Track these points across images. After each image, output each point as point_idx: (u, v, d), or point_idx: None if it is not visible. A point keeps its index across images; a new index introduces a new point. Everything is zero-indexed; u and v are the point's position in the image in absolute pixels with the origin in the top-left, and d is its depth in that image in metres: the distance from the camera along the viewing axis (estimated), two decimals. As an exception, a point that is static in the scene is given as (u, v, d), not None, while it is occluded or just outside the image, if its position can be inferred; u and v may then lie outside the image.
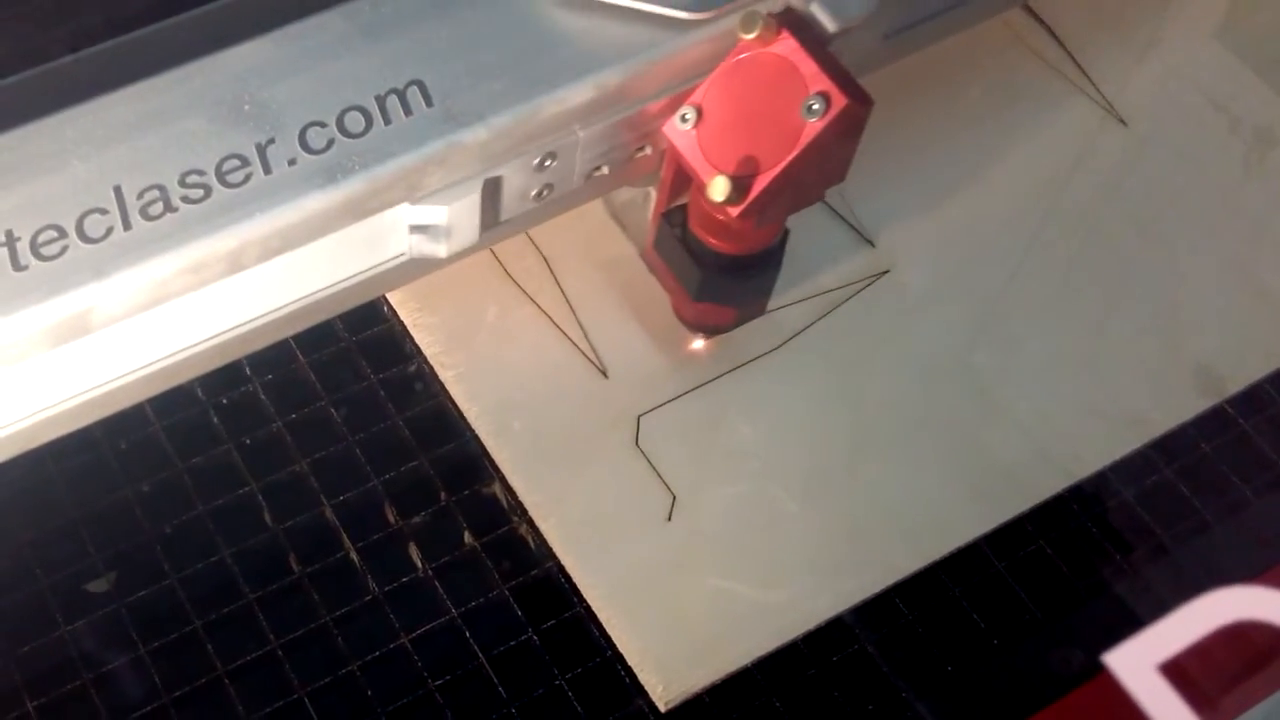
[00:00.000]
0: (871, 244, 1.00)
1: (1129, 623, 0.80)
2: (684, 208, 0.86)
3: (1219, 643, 0.67)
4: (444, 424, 0.93)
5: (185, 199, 0.69)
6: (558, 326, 0.95)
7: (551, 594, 0.88)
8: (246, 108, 0.71)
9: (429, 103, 0.73)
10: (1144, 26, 1.14)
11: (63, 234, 0.68)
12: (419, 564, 0.88)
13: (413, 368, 0.95)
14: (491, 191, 0.76)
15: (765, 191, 0.77)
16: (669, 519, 0.89)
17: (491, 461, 0.91)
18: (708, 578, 0.88)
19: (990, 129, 1.07)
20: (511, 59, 0.75)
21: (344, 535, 0.88)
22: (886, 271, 0.99)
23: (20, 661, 0.83)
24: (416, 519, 0.89)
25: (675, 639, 0.86)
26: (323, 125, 0.71)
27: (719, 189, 0.76)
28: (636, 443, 0.91)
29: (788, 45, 0.76)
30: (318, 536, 0.89)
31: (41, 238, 0.68)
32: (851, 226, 1.01)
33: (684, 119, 0.79)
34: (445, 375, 0.94)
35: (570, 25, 0.76)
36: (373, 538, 0.89)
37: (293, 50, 0.73)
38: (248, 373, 0.93)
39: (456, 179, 0.75)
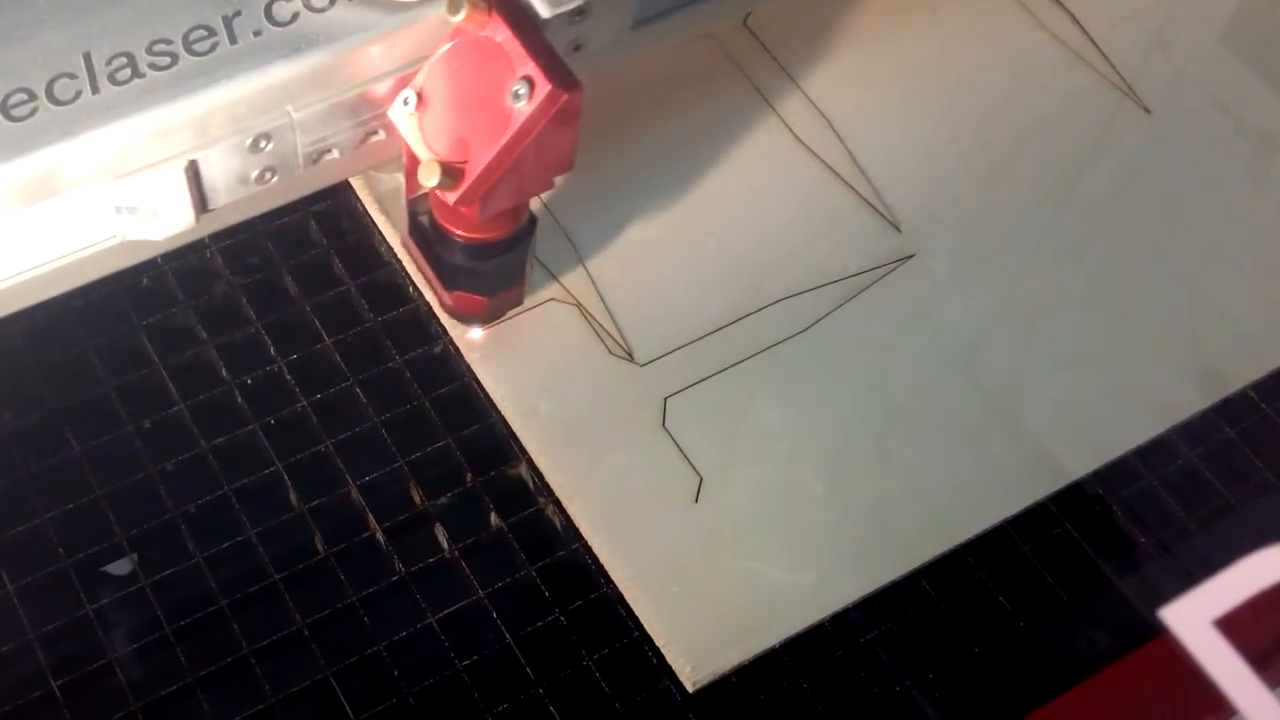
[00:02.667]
0: (898, 228, 1.00)
1: (1155, 604, 0.81)
2: (428, 196, 0.85)
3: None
4: (470, 405, 0.93)
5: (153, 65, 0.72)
6: (584, 309, 0.95)
7: (578, 575, 0.88)
8: None
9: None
10: (1155, 22, 1.14)
11: (33, 96, 0.70)
12: (445, 545, 0.88)
13: (438, 349, 0.94)
14: (199, 172, 0.75)
15: (478, 179, 0.75)
16: (696, 500, 0.89)
17: (518, 443, 0.91)
18: (735, 559, 0.88)
19: (1015, 115, 1.07)
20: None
21: (370, 516, 0.88)
22: (912, 256, 0.99)
23: (44, 641, 0.83)
24: (442, 500, 0.89)
25: (703, 620, 0.86)
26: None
27: (429, 174, 0.75)
28: (664, 425, 0.91)
29: (498, 28, 0.74)
30: (343, 517, 0.88)
31: (12, 100, 0.70)
32: (877, 211, 1.01)
33: (405, 102, 0.77)
34: (471, 356, 0.93)
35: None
36: (399, 518, 0.88)
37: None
38: (272, 353, 0.93)
39: (155, 159, 0.73)
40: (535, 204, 0.90)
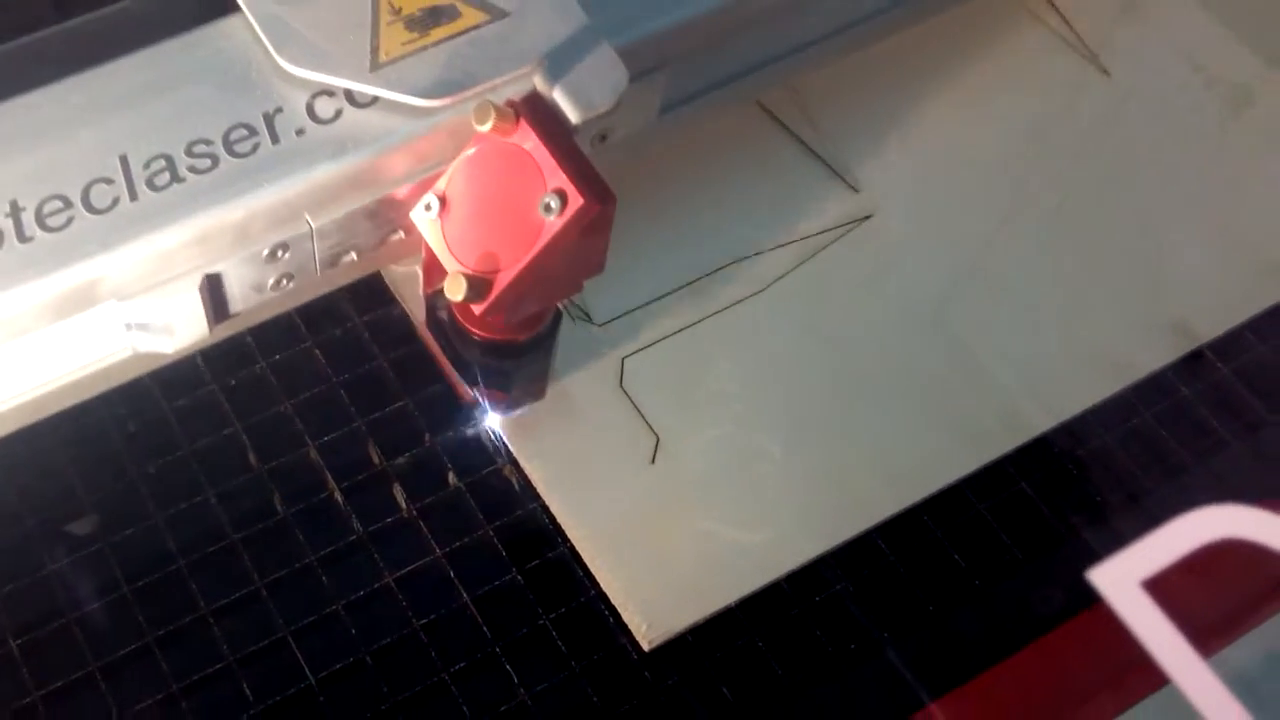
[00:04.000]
0: (855, 189, 1.00)
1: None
2: None
3: (1211, 566, 0.68)
4: (428, 366, 0.93)
5: (192, 169, 0.69)
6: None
7: (535, 535, 0.88)
8: None
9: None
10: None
11: (68, 204, 0.68)
12: (403, 505, 0.88)
13: (397, 310, 0.95)
14: (216, 285, 0.73)
15: (506, 291, 0.72)
16: (653, 461, 0.89)
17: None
18: (691, 519, 0.88)
19: (973, 76, 1.07)
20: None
21: (328, 476, 0.89)
22: (869, 216, 1.00)
23: (3, 602, 0.83)
24: (400, 460, 0.90)
25: (659, 579, 0.86)
26: None
27: (457, 288, 0.72)
28: (621, 385, 0.92)
29: (526, 136, 0.71)
30: (302, 477, 0.89)
31: (47, 207, 0.67)
32: (834, 171, 1.01)
33: (427, 207, 0.74)
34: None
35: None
36: (357, 478, 0.89)
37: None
38: (231, 315, 0.93)
39: (168, 276, 0.71)
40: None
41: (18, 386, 0.73)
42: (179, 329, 0.73)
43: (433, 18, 0.75)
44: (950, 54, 1.08)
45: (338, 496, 0.88)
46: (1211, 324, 0.98)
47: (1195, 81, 1.09)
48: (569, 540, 0.87)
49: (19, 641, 0.82)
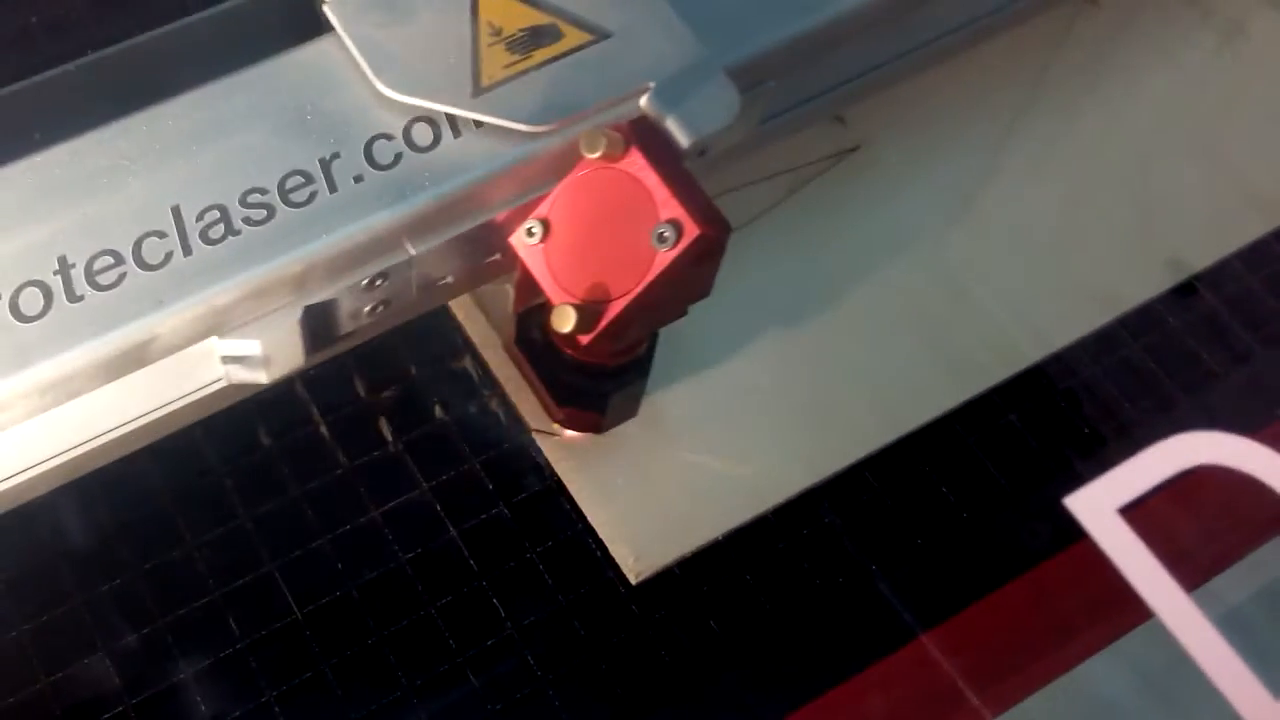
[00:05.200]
0: (842, 121, 1.00)
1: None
2: (542, 307, 0.77)
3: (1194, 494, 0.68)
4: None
5: (247, 220, 0.68)
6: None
7: (522, 468, 0.88)
8: None
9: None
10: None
11: (120, 260, 0.66)
12: (389, 438, 0.88)
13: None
14: (314, 316, 0.71)
15: (614, 321, 0.71)
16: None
17: (464, 336, 0.91)
18: (679, 452, 0.88)
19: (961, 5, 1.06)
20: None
21: (313, 409, 0.88)
22: (856, 148, 0.99)
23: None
24: (387, 393, 0.89)
25: (646, 513, 0.86)
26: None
27: (565, 320, 0.71)
28: (609, 319, 0.91)
29: (637, 163, 0.70)
30: (288, 411, 0.88)
31: (97, 264, 0.66)
32: (823, 102, 1.00)
33: (530, 233, 0.72)
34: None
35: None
36: (342, 412, 0.88)
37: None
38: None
39: (269, 309, 0.70)
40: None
41: (107, 424, 0.72)
42: (275, 360, 0.72)
43: (534, 39, 0.73)
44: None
45: (323, 430, 0.88)
46: (1201, 256, 0.98)
47: (1190, 14, 1.08)
48: (556, 474, 0.87)
49: (3, 577, 0.82)
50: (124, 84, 0.72)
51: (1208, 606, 0.72)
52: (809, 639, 0.85)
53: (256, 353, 0.71)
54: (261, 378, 0.73)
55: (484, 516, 0.86)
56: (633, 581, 0.85)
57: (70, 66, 0.74)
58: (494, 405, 0.89)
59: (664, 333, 0.89)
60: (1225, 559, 0.81)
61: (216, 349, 0.70)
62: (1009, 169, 1.00)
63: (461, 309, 0.91)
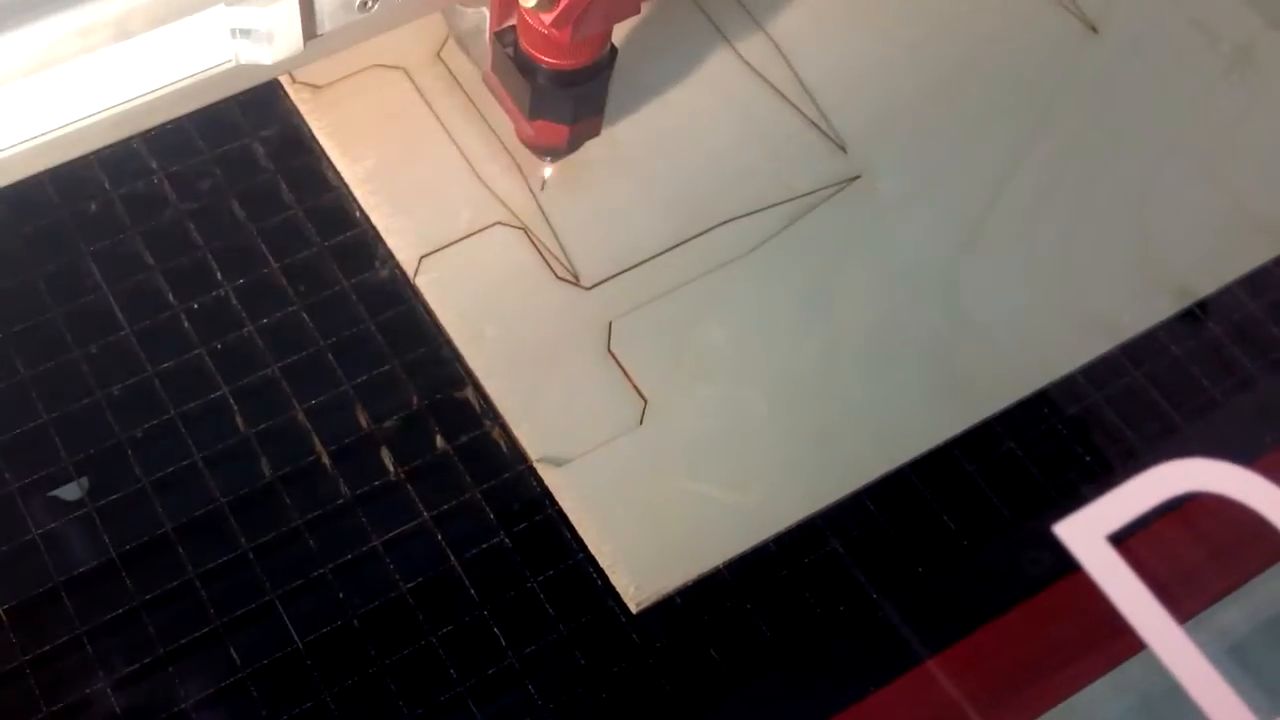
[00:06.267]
0: (843, 149, 1.00)
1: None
2: (515, 28, 0.88)
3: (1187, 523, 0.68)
4: (417, 329, 0.93)
5: None
6: (530, 233, 0.95)
7: (524, 498, 0.88)
8: None
9: None
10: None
11: None
12: (391, 468, 0.88)
13: (385, 273, 0.94)
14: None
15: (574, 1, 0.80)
16: (641, 423, 0.89)
17: (465, 366, 0.91)
18: (679, 481, 0.88)
19: (960, 34, 1.07)
20: None
21: (316, 439, 0.88)
22: (858, 177, 0.99)
23: (-8, 566, 0.84)
24: (389, 423, 0.89)
25: (647, 541, 0.86)
26: None
27: None
28: (609, 348, 0.91)
29: None
30: (290, 441, 0.89)
31: None
32: (823, 132, 1.00)
33: None
34: (418, 280, 0.93)
35: None
36: (345, 442, 0.89)
37: None
38: (219, 277, 0.93)
39: None
40: (480, 128, 0.91)
41: (124, 93, 0.75)
42: (278, 38, 0.76)
43: None
44: (937, 13, 1.08)
45: (325, 460, 0.88)
46: (1203, 282, 0.98)
47: (1197, 40, 1.08)
48: (557, 503, 0.87)
49: (5, 607, 0.82)
50: None
51: (1204, 634, 0.72)
52: (810, 667, 0.85)
53: (261, 27, 0.75)
54: (266, 58, 0.77)
55: (485, 545, 0.86)
56: (633, 610, 0.85)
57: None
58: (495, 435, 0.89)
59: (667, 359, 0.90)
60: (1224, 587, 0.81)
61: (226, 22, 0.74)
62: (1010, 196, 1.00)
63: (464, 341, 0.91)
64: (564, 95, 0.89)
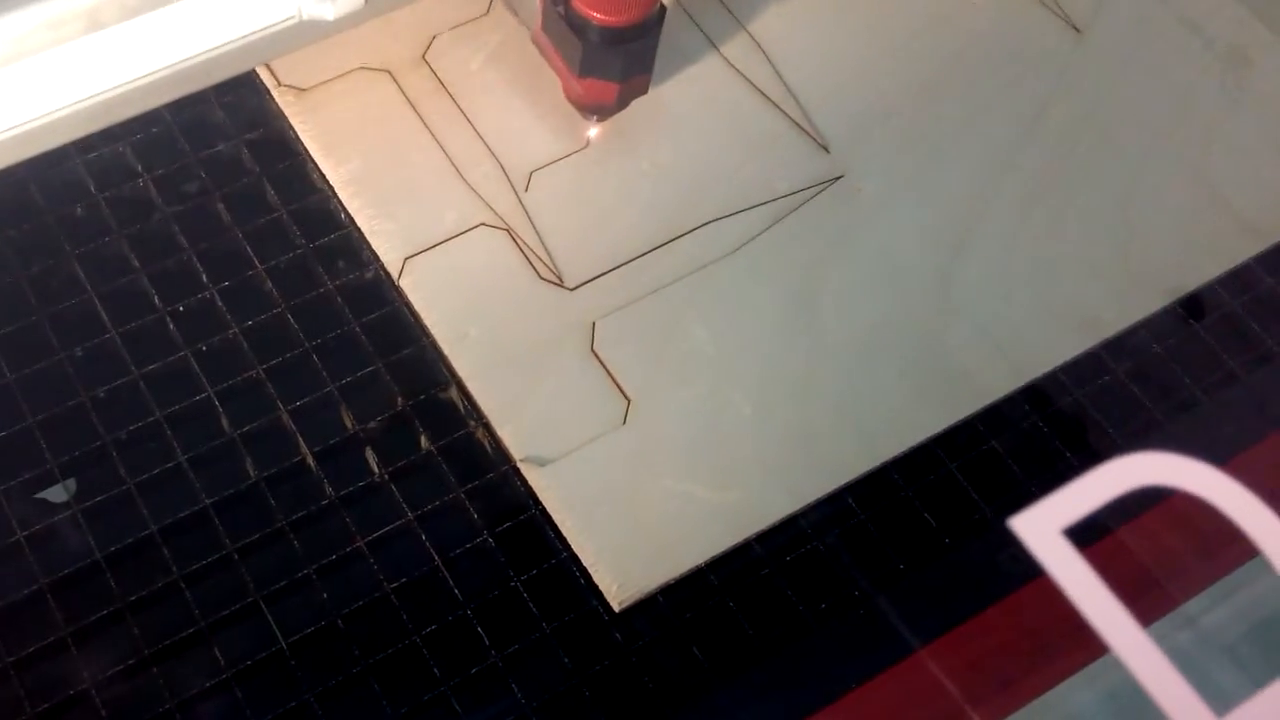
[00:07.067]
0: (826, 149, 1.00)
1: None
2: None
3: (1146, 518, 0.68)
4: (401, 330, 0.93)
5: None
6: (514, 233, 0.95)
7: (507, 497, 0.88)
8: None
9: None
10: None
11: None
12: (375, 468, 0.88)
13: (369, 274, 0.95)
14: None
15: None
16: (624, 423, 0.90)
17: (449, 367, 0.91)
18: (662, 480, 0.88)
19: (943, 35, 1.07)
20: None
21: (300, 440, 0.89)
22: (841, 177, 1.00)
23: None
24: (373, 424, 0.90)
25: (630, 540, 0.86)
26: None
27: None
28: (592, 348, 0.92)
29: None
30: (274, 442, 0.89)
31: None
32: (806, 132, 1.01)
33: None
34: (402, 282, 0.94)
35: None
36: (329, 443, 0.89)
37: None
38: (204, 280, 0.93)
39: None
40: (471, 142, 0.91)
41: (183, 50, 0.78)
42: None
43: None
44: (920, 13, 1.08)
45: (310, 461, 0.88)
46: (1187, 280, 0.98)
47: (1191, 41, 1.09)
48: (540, 502, 0.88)
49: (-8, 608, 0.83)
50: None
51: (1171, 632, 0.72)
52: (793, 664, 0.85)
53: None
54: (329, 13, 0.81)
55: (469, 545, 0.87)
56: (616, 609, 0.85)
57: None
58: (479, 435, 0.90)
59: (650, 359, 0.90)
60: (1193, 584, 0.82)
61: None
62: (994, 195, 1.00)
63: (447, 341, 0.92)
64: (615, 53, 0.93)
